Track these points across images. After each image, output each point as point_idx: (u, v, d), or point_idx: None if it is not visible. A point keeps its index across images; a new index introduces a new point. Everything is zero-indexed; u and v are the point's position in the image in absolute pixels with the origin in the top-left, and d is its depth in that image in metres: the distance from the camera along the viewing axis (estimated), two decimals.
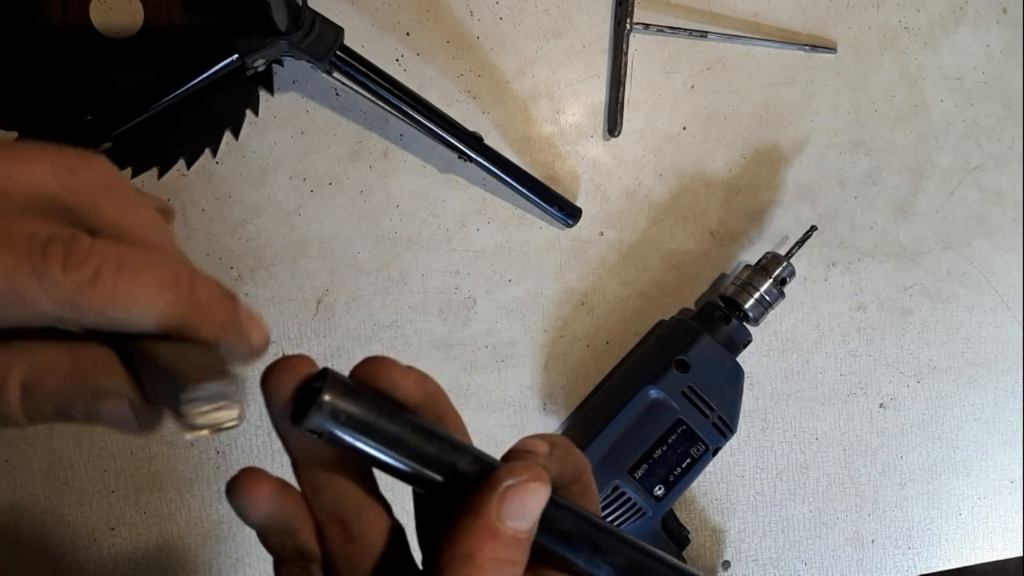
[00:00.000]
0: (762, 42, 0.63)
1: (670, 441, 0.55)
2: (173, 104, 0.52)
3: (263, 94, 0.56)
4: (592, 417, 0.58)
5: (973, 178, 0.68)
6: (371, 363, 0.24)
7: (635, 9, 0.60)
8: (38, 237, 0.18)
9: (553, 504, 0.24)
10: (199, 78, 0.51)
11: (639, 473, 0.54)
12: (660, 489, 0.55)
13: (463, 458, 0.23)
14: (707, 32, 0.62)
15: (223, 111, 0.56)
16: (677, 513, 0.60)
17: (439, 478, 0.23)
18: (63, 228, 0.19)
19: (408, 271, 0.58)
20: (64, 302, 0.18)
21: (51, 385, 0.20)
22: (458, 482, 0.23)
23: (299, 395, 0.22)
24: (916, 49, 0.66)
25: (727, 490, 0.63)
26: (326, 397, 0.21)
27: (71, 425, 0.54)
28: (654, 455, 0.55)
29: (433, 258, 0.59)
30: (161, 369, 0.20)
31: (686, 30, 0.61)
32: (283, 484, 0.25)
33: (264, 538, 0.25)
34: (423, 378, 0.25)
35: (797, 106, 0.64)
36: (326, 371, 0.22)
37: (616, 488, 0.54)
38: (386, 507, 0.26)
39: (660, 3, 0.62)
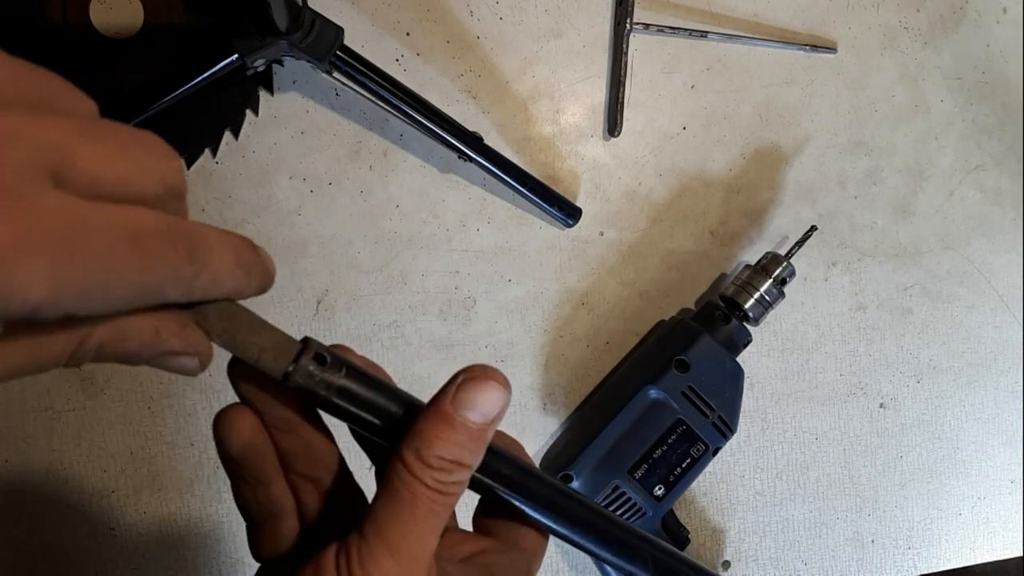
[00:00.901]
0: (762, 42, 0.63)
1: (670, 441, 0.55)
2: (173, 104, 0.52)
3: (263, 94, 0.56)
4: (592, 417, 0.58)
5: (973, 178, 0.68)
6: (335, 347, 0.27)
7: (635, 9, 0.60)
8: (161, 231, 0.19)
9: (500, 457, 0.27)
10: (199, 78, 0.51)
11: (639, 473, 0.54)
12: (660, 489, 0.55)
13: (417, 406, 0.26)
14: (707, 32, 0.62)
15: (223, 111, 0.56)
16: (677, 513, 0.60)
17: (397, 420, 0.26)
18: (164, 216, 0.20)
19: (408, 271, 0.58)
20: (187, 290, 0.20)
21: (129, 347, 0.21)
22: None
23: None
24: (916, 49, 0.66)
25: (727, 490, 0.63)
26: (304, 360, 0.24)
27: (71, 425, 0.54)
28: (654, 455, 0.55)
29: (433, 258, 0.59)
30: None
31: (686, 30, 0.61)
32: (263, 427, 0.27)
33: (240, 487, 0.28)
34: (373, 364, 0.28)
35: (797, 106, 0.64)
36: (307, 339, 0.25)
37: (616, 488, 0.54)
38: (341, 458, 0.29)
39: (660, 3, 0.62)
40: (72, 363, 0.21)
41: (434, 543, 0.25)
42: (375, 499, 0.25)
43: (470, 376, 0.25)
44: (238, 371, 0.26)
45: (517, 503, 0.28)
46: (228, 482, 0.28)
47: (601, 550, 0.29)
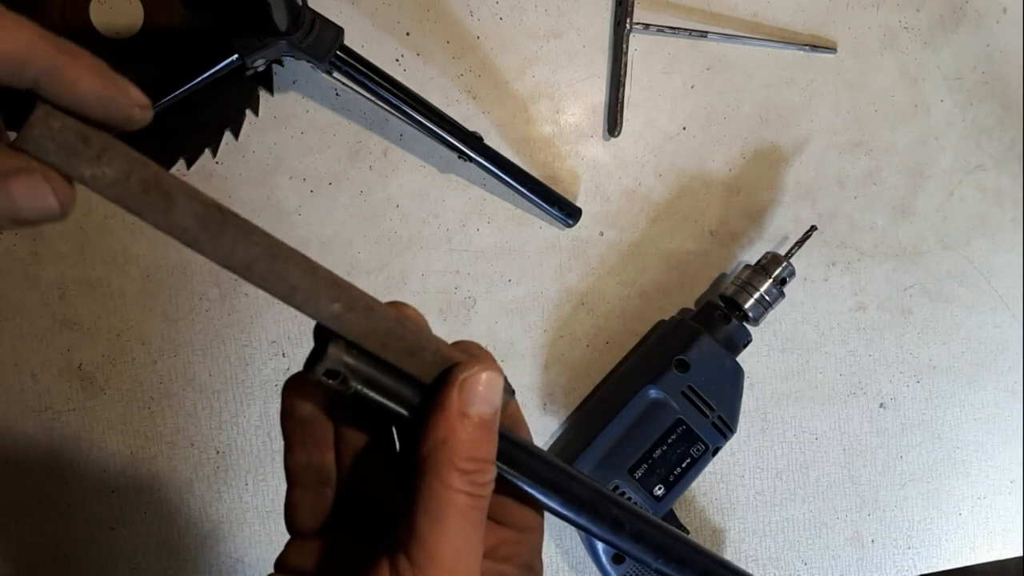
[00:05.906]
0: (762, 42, 0.63)
1: (670, 441, 0.55)
2: (173, 104, 0.52)
3: (263, 94, 0.56)
4: (592, 417, 0.58)
5: (973, 178, 0.68)
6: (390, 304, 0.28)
7: (635, 9, 0.60)
8: None
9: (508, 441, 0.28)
10: (199, 78, 0.51)
11: (639, 473, 0.54)
12: (660, 489, 0.55)
13: (419, 386, 0.26)
14: (707, 32, 0.62)
15: (223, 111, 0.56)
16: (677, 513, 0.60)
17: (406, 412, 0.26)
18: None
19: (408, 271, 0.58)
20: None
21: None
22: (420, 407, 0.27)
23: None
24: (916, 49, 0.66)
25: (727, 490, 0.63)
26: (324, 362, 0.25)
27: (71, 425, 0.54)
28: (654, 455, 0.55)
29: (433, 258, 0.59)
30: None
31: (686, 30, 0.61)
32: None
33: (296, 449, 0.28)
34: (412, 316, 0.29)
35: (797, 106, 0.64)
36: (326, 343, 0.25)
37: (616, 488, 0.54)
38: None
39: (660, 3, 0.62)
40: None
41: (481, 549, 0.25)
42: (413, 519, 0.24)
43: (468, 373, 0.25)
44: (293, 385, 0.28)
45: (534, 491, 0.28)
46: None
47: (615, 537, 0.29)
